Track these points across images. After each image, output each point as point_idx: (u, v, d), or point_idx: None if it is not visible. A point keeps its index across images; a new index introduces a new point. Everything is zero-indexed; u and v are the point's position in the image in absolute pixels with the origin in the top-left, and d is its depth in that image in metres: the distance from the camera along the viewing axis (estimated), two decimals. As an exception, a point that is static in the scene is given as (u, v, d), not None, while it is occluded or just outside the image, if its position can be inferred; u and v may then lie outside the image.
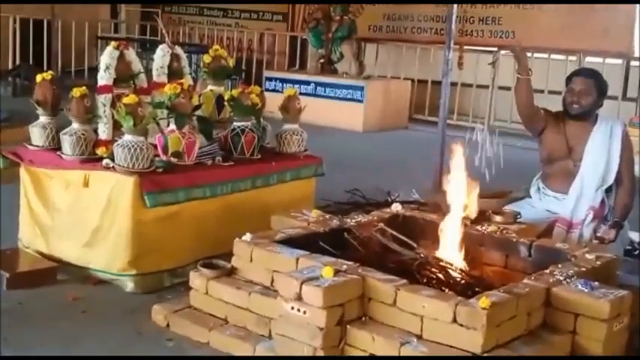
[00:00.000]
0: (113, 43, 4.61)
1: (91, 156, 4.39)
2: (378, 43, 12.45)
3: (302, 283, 3.17)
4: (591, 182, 4.60)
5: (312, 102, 6.51)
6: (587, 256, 3.74)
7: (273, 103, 5.15)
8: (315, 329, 3.14)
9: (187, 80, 4.83)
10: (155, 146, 4.36)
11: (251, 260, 3.70)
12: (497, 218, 4.27)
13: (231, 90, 4.99)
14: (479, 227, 4.09)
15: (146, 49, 11.70)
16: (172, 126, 4.43)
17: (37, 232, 4.53)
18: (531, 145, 5.62)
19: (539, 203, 4.78)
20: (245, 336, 3.52)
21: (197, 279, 3.78)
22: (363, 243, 3.89)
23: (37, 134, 4.61)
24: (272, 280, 3.58)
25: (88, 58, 13.42)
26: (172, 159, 4.37)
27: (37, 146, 4.60)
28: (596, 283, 3.38)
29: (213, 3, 14.70)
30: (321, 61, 11.42)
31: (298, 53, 12.72)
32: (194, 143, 4.46)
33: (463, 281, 3.52)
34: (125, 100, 4.20)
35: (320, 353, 3.15)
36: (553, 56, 10.42)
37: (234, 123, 4.79)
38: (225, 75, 5.18)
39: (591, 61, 9.90)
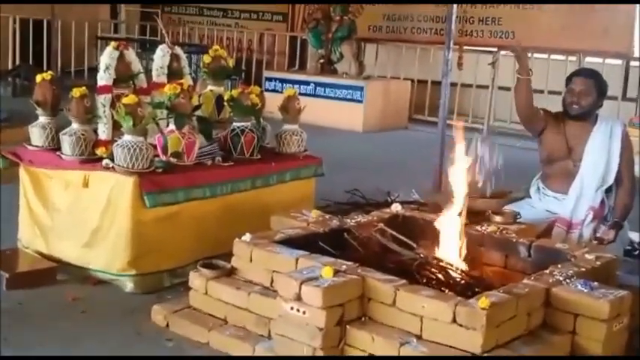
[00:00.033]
0: (113, 44, 4.61)
1: (90, 156, 4.38)
2: (378, 44, 12.43)
3: (301, 284, 3.17)
4: (591, 182, 4.60)
5: (311, 102, 6.52)
6: (587, 256, 3.74)
7: (273, 103, 5.15)
8: (315, 329, 3.14)
9: (187, 80, 4.82)
10: (155, 146, 4.36)
11: (251, 260, 3.70)
12: (497, 218, 4.27)
13: (230, 90, 4.99)
14: (479, 227, 4.09)
15: (146, 49, 11.68)
16: (172, 126, 4.43)
17: (36, 233, 4.53)
18: (531, 146, 5.61)
19: (539, 203, 4.78)
20: (244, 336, 3.51)
21: (197, 279, 3.77)
22: (363, 243, 3.89)
23: (36, 134, 4.61)
24: (272, 281, 3.58)
25: (88, 58, 13.41)
26: (172, 159, 4.37)
27: (36, 146, 4.60)
28: (596, 283, 3.38)
29: (213, 3, 14.69)
30: (321, 61, 11.40)
31: (298, 53, 12.71)
32: (194, 143, 4.46)
33: (463, 281, 3.51)
34: (125, 100, 4.20)
35: (319, 353, 3.14)
36: (553, 56, 10.42)
37: (234, 123, 4.79)
38: (224, 75, 5.19)
39: (591, 61, 9.89)
